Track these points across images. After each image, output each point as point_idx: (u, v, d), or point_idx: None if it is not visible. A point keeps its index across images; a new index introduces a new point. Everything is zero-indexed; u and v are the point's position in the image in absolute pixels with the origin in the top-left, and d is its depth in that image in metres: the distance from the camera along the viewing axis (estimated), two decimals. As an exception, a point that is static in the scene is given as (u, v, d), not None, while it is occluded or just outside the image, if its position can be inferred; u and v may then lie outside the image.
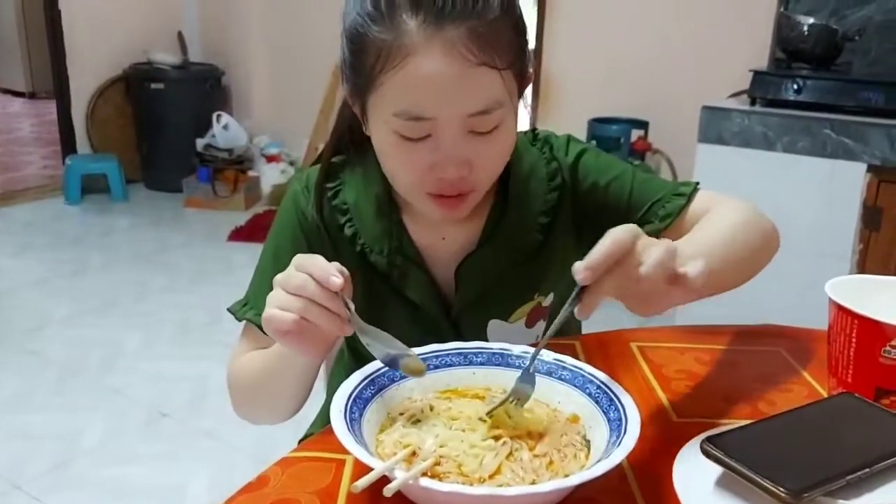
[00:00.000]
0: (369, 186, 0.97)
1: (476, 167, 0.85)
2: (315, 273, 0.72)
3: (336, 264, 0.73)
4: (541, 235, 0.99)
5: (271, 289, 0.85)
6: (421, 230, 0.98)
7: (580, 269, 0.65)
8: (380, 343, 0.75)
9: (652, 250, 0.67)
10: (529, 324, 1.02)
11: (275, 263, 0.98)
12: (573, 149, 1.02)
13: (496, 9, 0.80)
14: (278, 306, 0.74)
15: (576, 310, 0.67)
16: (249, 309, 0.97)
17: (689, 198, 0.98)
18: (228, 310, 1.00)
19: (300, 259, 0.75)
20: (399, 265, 0.97)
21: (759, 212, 0.98)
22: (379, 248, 0.97)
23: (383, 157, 0.88)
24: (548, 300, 1.03)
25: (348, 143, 0.99)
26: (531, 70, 0.89)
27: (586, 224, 1.00)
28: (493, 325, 1.00)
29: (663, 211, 0.98)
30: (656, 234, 0.95)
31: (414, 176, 0.86)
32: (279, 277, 0.75)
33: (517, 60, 0.84)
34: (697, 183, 1.01)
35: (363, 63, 0.82)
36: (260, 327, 0.94)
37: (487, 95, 0.81)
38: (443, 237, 0.98)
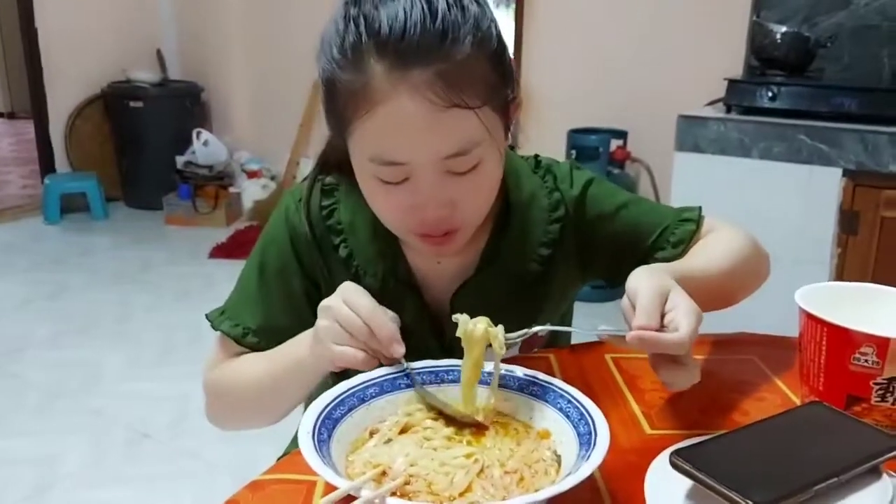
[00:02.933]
0: (366, 205, 0.95)
1: (459, 206, 0.83)
2: (379, 335, 0.78)
3: (392, 327, 0.79)
4: (541, 266, 0.98)
5: (259, 302, 0.91)
6: (416, 254, 0.96)
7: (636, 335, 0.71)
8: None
9: (683, 318, 0.71)
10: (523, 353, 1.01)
11: (260, 277, 0.98)
12: (578, 179, 1.01)
13: (466, 47, 0.76)
14: (343, 343, 0.79)
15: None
16: (226, 319, 0.97)
17: (698, 224, 1.00)
18: (206, 316, 1.00)
19: (355, 300, 0.79)
20: (392, 289, 0.95)
21: (754, 238, 1.01)
22: (373, 270, 0.95)
23: (367, 199, 0.87)
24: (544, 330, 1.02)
25: (333, 167, 0.98)
26: (514, 95, 0.86)
27: (591, 254, 1.01)
28: (487, 353, 0.99)
29: (674, 238, 0.99)
30: (670, 260, 0.96)
31: (397, 217, 0.85)
32: (339, 312, 0.79)
33: (495, 95, 0.81)
34: (700, 208, 1.03)
35: (336, 109, 0.81)
36: (234, 339, 0.96)
37: (461, 137, 0.78)
38: (438, 261, 0.97)
